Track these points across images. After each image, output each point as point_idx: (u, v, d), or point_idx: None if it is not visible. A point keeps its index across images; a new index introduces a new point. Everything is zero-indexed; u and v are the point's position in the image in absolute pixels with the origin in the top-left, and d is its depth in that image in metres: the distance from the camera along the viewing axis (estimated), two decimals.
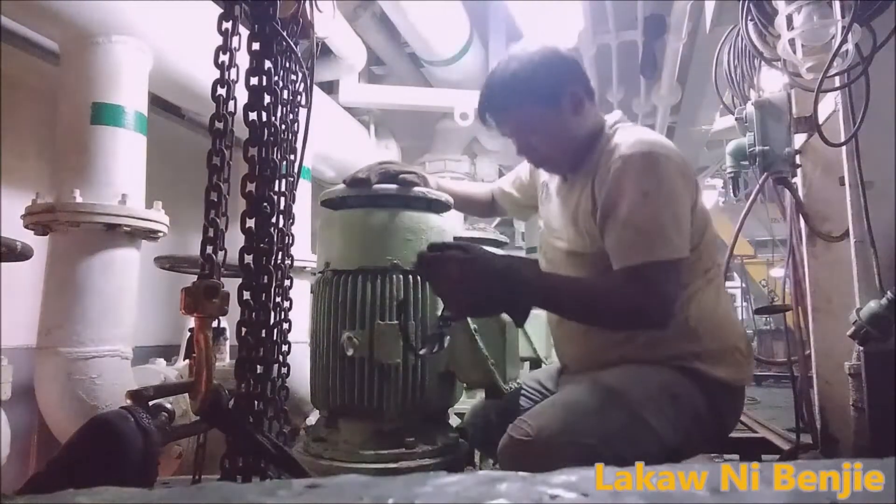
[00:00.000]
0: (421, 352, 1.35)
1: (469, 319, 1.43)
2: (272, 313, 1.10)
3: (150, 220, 2.19)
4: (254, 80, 1.06)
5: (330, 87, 3.85)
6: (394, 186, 1.48)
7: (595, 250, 1.35)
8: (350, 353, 1.39)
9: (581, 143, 1.44)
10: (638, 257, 1.25)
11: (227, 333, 2.64)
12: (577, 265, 1.42)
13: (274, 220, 1.11)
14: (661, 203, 1.27)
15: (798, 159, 1.86)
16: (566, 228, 1.46)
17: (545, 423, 1.21)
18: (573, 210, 1.43)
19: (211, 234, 1.01)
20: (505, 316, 1.43)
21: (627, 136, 1.38)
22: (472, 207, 1.90)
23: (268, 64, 1.08)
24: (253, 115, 1.06)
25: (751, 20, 1.74)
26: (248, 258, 1.06)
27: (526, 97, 1.39)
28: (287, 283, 1.25)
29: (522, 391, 1.59)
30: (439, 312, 1.35)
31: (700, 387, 1.34)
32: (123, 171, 2.16)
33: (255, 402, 1.04)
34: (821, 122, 1.60)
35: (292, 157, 1.26)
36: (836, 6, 1.39)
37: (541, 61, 1.40)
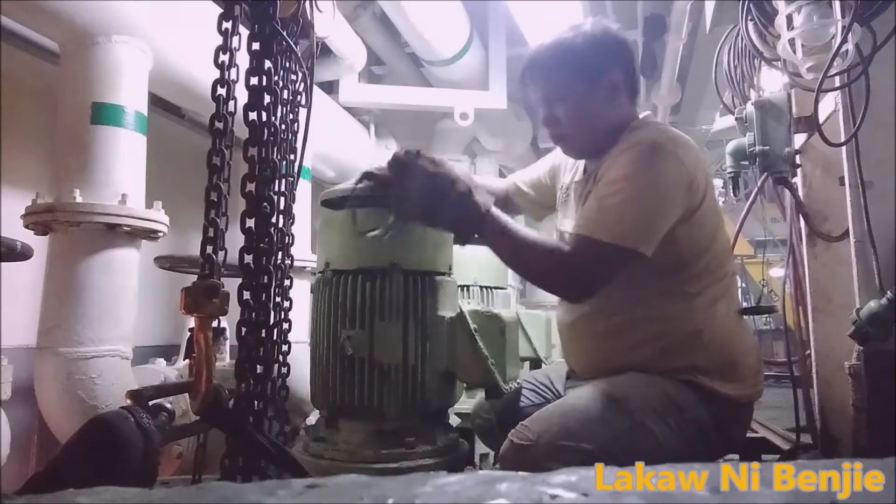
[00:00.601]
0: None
1: (469, 320, 1.43)
2: (272, 313, 1.10)
3: (150, 220, 2.19)
4: (254, 80, 1.07)
5: (330, 87, 3.85)
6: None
7: None
8: (350, 353, 1.39)
9: (605, 132, 1.42)
10: (587, 230, 1.26)
11: (227, 333, 2.64)
12: None
13: (274, 220, 1.11)
14: (639, 192, 1.26)
15: (798, 159, 1.86)
16: None
17: (546, 428, 1.21)
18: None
19: (211, 234, 1.01)
20: (505, 314, 1.43)
21: (648, 128, 1.40)
22: None
23: (268, 64, 1.08)
24: (253, 115, 1.07)
25: (751, 20, 1.74)
26: (248, 258, 1.06)
27: (564, 66, 1.40)
28: (287, 283, 1.25)
29: (531, 386, 1.60)
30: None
31: (706, 401, 1.33)
32: (123, 171, 2.16)
33: (255, 402, 1.04)
34: (821, 122, 1.60)
35: (292, 157, 1.26)
36: (836, 6, 1.39)
37: (592, 38, 1.41)
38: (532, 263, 1.31)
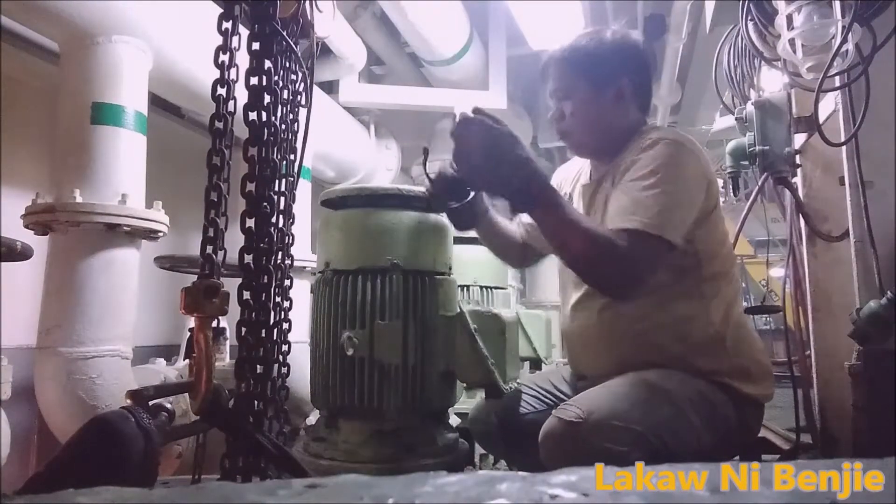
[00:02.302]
0: (451, 205, 1.36)
1: (469, 320, 1.43)
2: (272, 313, 1.10)
3: (150, 220, 2.19)
4: (254, 80, 1.06)
5: (330, 87, 3.85)
6: (394, 186, 1.49)
7: None
8: (350, 353, 1.39)
9: (608, 134, 1.48)
10: (627, 223, 1.26)
11: (227, 333, 2.64)
12: None
13: (274, 220, 1.11)
14: (667, 185, 1.28)
15: (798, 159, 1.86)
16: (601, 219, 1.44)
17: (595, 407, 1.21)
18: (607, 198, 1.42)
19: (211, 234, 1.01)
20: (505, 315, 1.43)
21: (663, 130, 1.46)
22: (509, 254, 1.78)
23: (268, 64, 1.08)
24: (253, 115, 1.06)
25: (751, 20, 1.74)
26: (248, 258, 1.06)
27: (575, 68, 1.47)
28: (287, 283, 1.25)
29: (532, 392, 1.59)
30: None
31: (732, 400, 1.36)
32: (123, 171, 2.16)
33: (255, 402, 1.04)
34: (821, 122, 1.59)
35: (292, 157, 1.26)
36: (836, 6, 1.39)
37: (608, 44, 1.47)
38: (583, 249, 1.26)
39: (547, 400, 1.56)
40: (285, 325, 1.22)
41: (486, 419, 1.60)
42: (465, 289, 2.16)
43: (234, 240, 1.03)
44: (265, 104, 1.08)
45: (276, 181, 1.13)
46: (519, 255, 1.76)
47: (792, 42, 1.51)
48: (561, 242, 1.30)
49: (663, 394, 1.28)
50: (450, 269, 1.58)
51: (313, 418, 2.07)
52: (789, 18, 1.49)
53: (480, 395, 1.66)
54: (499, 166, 1.21)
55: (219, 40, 1.05)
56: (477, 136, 1.22)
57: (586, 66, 1.46)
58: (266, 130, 1.08)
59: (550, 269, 1.88)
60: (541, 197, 1.23)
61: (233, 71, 1.05)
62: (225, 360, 2.71)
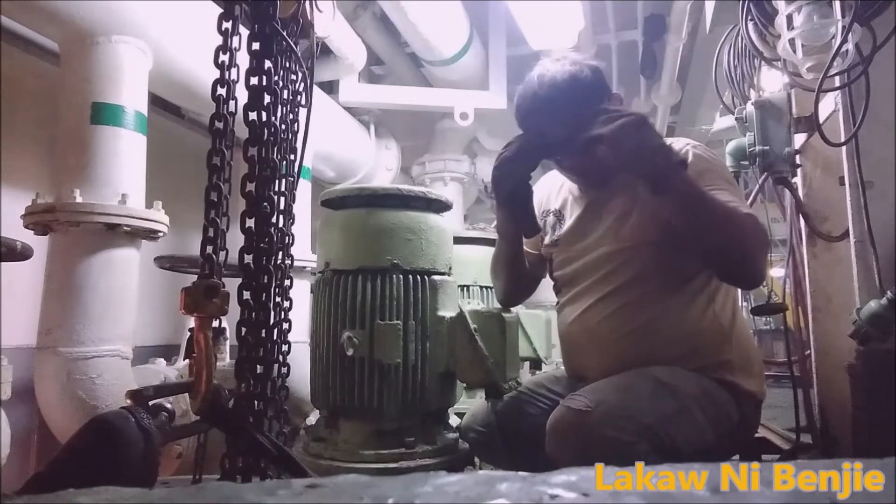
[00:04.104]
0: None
1: (469, 320, 1.43)
2: (272, 313, 1.10)
3: (150, 220, 2.19)
4: (254, 80, 1.07)
5: (330, 87, 3.85)
6: (394, 186, 1.49)
7: (656, 239, 1.38)
8: (350, 353, 1.39)
9: None
10: (745, 209, 1.31)
11: (227, 333, 2.64)
12: (628, 261, 1.42)
13: (274, 220, 1.11)
14: (734, 182, 1.39)
15: (798, 159, 1.86)
16: (613, 230, 1.45)
17: (603, 398, 1.21)
18: (625, 206, 1.42)
19: (211, 234, 1.01)
20: (506, 315, 1.43)
21: (678, 139, 1.47)
22: (522, 282, 1.67)
23: (268, 64, 1.08)
24: (253, 115, 1.07)
25: (751, 20, 1.74)
26: (248, 258, 1.06)
27: (588, 99, 1.39)
28: (287, 283, 1.25)
29: (527, 398, 1.57)
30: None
31: (735, 399, 1.37)
32: (123, 171, 2.16)
33: (255, 402, 1.04)
34: (821, 122, 1.59)
35: (292, 157, 1.26)
36: (836, 6, 1.39)
37: (590, 68, 1.45)
38: (735, 225, 1.24)
39: (542, 404, 1.55)
40: (285, 325, 1.22)
41: (478, 426, 1.57)
42: (465, 289, 2.16)
43: (235, 240, 1.03)
44: (265, 104, 1.08)
45: (276, 181, 1.13)
46: (526, 286, 1.69)
47: (792, 42, 1.51)
48: (712, 219, 1.24)
49: (669, 389, 1.28)
50: (450, 269, 1.58)
51: (313, 418, 2.07)
52: (789, 18, 1.49)
53: (480, 395, 1.66)
54: (649, 154, 1.21)
55: (219, 40, 1.05)
56: (632, 133, 1.21)
57: (593, 93, 1.41)
58: (266, 130, 1.08)
59: None
60: (685, 174, 1.24)
61: (233, 71, 1.05)
62: (225, 360, 2.71)
